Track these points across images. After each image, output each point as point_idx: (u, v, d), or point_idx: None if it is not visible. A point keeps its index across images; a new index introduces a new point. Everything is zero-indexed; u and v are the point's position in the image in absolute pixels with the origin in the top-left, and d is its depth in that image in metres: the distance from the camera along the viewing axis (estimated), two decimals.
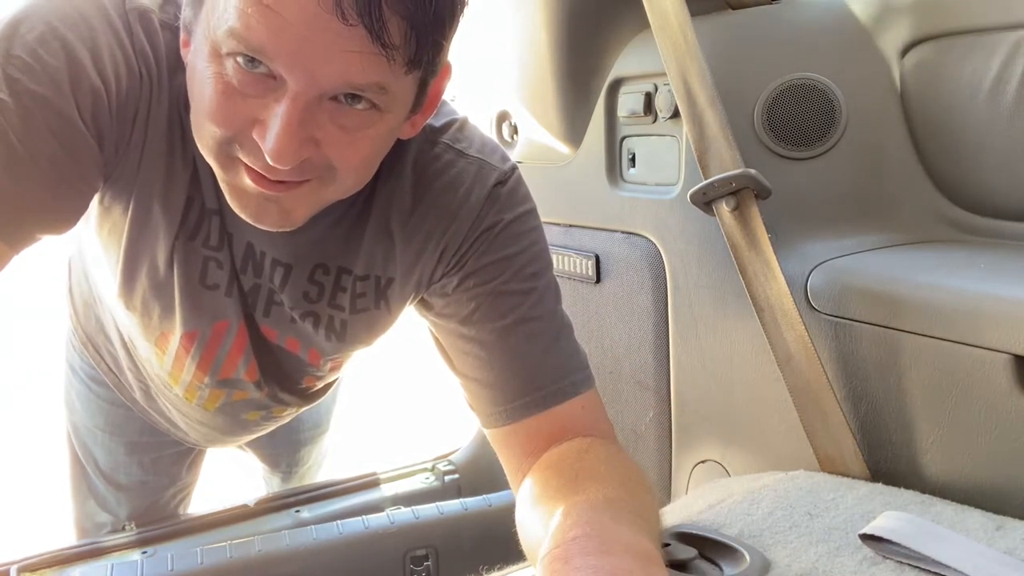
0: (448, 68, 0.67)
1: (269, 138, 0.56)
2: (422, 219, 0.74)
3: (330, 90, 0.56)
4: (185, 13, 0.62)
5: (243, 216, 0.65)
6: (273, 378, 0.87)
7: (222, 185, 0.64)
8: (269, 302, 0.78)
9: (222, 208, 0.72)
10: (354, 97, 0.58)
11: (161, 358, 0.85)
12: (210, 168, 0.68)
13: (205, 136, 0.61)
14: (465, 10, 0.60)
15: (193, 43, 0.61)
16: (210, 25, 0.57)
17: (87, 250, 0.89)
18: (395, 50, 0.55)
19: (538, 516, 0.62)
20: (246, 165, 0.60)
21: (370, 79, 0.56)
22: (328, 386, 0.99)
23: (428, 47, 0.57)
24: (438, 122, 0.76)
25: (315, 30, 0.53)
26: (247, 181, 0.61)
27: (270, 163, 0.57)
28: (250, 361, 0.83)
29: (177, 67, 0.67)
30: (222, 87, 0.57)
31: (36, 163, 0.60)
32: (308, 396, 0.96)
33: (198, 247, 0.73)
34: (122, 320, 0.88)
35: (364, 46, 0.54)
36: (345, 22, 0.53)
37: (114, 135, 0.65)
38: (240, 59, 0.56)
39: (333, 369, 0.91)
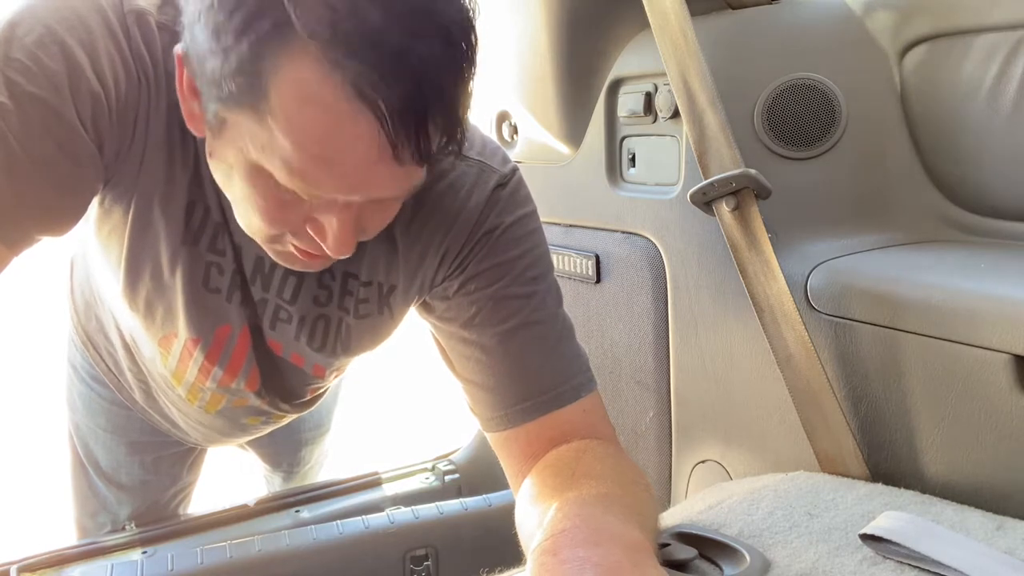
0: None
1: (330, 240, 0.61)
2: (423, 223, 0.74)
3: (379, 199, 0.60)
4: (202, 63, 0.57)
5: (289, 267, 0.69)
6: (275, 390, 0.88)
7: (265, 248, 0.67)
8: (275, 318, 0.79)
9: (227, 220, 0.72)
10: None
11: (165, 358, 0.85)
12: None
13: (252, 226, 0.64)
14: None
15: (213, 121, 0.59)
16: (248, 142, 0.56)
17: (89, 250, 0.89)
18: (432, 158, 0.58)
19: (534, 514, 0.62)
20: (295, 244, 0.64)
21: (413, 186, 0.60)
22: (328, 389, 0.99)
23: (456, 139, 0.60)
24: None
25: (373, 171, 0.56)
26: (295, 253, 0.65)
27: (331, 256, 0.62)
28: (251, 370, 0.83)
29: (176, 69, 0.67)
30: (270, 197, 0.59)
31: (35, 165, 0.60)
32: (309, 403, 0.96)
33: (202, 251, 0.73)
34: (125, 320, 0.88)
35: (412, 170, 0.57)
36: (400, 165, 0.55)
37: (115, 140, 0.65)
38: None
39: (336, 375, 0.92)
